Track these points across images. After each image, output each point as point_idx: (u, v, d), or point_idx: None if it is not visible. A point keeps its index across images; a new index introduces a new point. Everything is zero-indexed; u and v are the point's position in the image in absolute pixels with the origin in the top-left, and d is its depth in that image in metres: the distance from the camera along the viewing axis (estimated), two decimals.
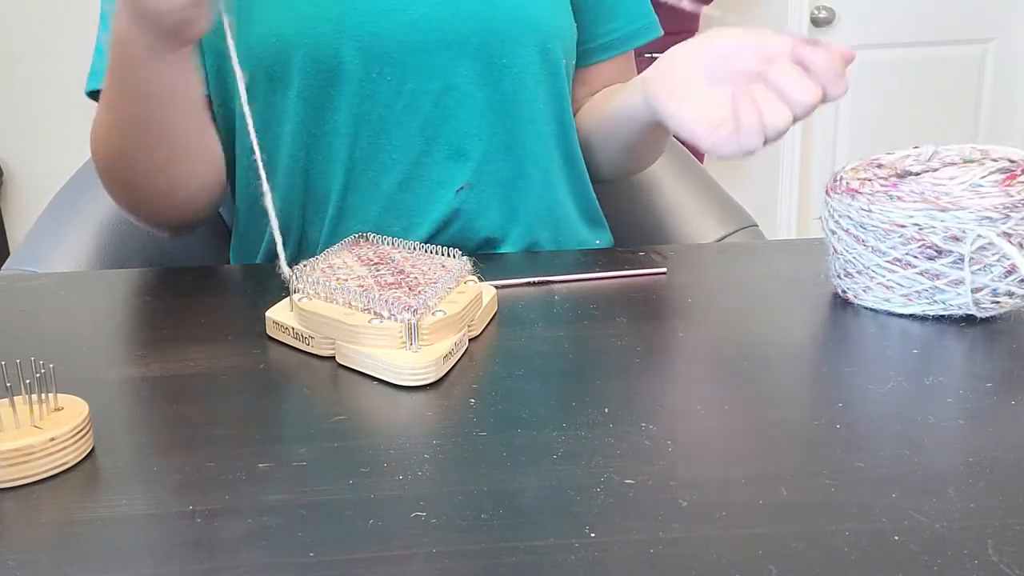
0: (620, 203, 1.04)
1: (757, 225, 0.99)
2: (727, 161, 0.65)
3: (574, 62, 0.83)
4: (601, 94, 0.86)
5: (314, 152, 0.76)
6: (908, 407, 0.45)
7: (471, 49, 0.74)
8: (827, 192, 0.62)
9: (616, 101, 0.79)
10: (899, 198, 0.56)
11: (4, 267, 0.97)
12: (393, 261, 0.60)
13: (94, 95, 0.77)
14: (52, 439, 0.40)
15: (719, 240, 0.98)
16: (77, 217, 0.99)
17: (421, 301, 0.52)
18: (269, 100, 0.74)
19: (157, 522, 0.37)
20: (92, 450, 0.43)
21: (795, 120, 0.60)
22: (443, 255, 0.61)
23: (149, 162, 0.72)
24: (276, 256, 0.60)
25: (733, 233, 0.99)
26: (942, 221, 0.55)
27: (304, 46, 0.72)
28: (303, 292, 0.55)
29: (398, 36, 0.73)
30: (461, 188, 0.77)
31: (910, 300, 0.57)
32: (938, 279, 0.56)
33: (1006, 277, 0.55)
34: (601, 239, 0.88)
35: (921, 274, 0.56)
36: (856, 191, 0.59)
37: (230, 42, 0.62)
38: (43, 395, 0.42)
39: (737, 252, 0.75)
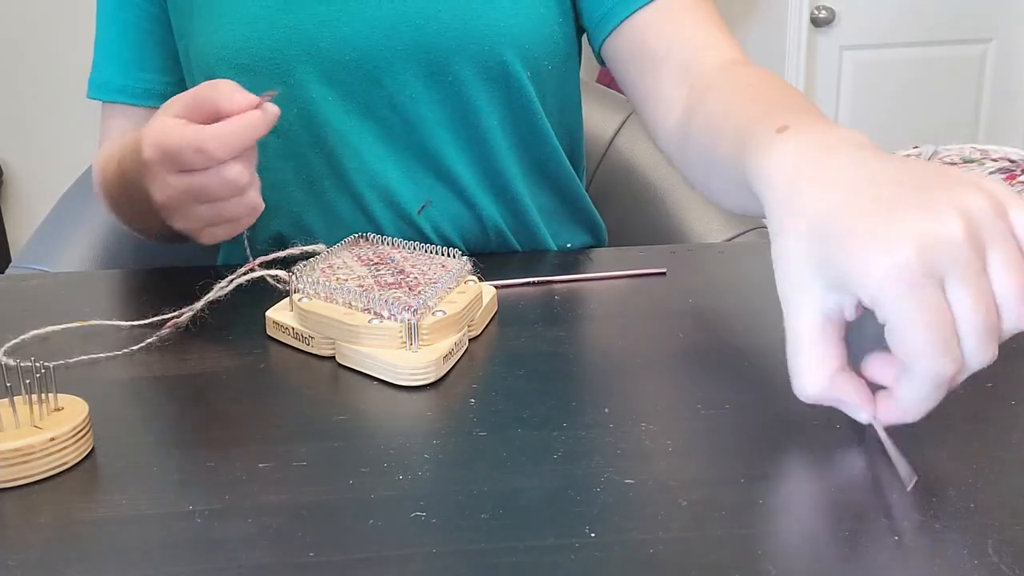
0: (627, 205, 1.04)
1: (766, 227, 0.99)
2: None
3: (562, 64, 0.77)
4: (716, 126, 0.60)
5: (277, 167, 0.76)
6: None
7: (413, 65, 0.72)
8: None
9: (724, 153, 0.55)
10: None
11: (11, 265, 0.98)
12: (393, 261, 0.60)
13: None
14: (52, 439, 0.40)
15: (727, 240, 0.97)
16: (82, 219, 0.99)
17: (421, 301, 0.52)
18: None
19: (157, 522, 0.37)
20: (92, 450, 0.43)
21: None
22: (443, 255, 0.61)
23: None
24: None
25: (742, 234, 0.98)
26: None
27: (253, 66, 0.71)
28: (303, 292, 0.55)
29: (335, 54, 0.72)
30: (423, 207, 0.76)
31: None
32: None
33: None
34: (574, 241, 0.85)
35: None
36: None
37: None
38: (43, 395, 0.42)
39: (738, 252, 0.75)
